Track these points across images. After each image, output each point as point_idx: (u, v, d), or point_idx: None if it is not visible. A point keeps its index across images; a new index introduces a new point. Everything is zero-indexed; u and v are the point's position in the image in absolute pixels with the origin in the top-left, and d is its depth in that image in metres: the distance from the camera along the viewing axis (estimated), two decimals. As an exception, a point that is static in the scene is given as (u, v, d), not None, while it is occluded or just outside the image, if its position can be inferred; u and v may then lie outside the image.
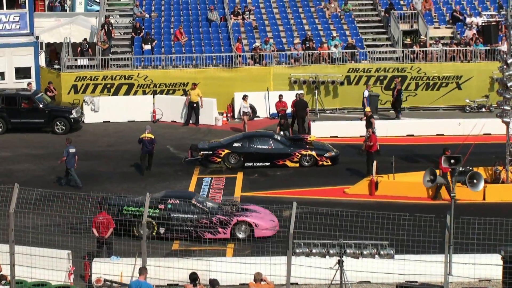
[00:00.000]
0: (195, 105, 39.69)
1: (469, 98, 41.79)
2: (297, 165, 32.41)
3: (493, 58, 41.63)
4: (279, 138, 33.17)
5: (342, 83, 41.69)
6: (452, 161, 20.84)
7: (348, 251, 18.79)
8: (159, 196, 25.37)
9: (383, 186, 29.19)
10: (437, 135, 36.97)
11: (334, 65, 42.10)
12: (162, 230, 24.45)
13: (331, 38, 43.45)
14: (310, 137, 33.76)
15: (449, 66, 42.26)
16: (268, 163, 32.32)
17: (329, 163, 32.51)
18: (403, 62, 42.46)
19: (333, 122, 38.37)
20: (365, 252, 18.87)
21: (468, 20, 44.73)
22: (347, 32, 44.82)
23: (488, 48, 41.70)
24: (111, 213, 23.54)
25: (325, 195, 28.38)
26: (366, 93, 39.64)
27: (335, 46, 42.44)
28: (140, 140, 32.13)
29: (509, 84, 29.29)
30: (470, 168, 25.58)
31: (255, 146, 32.64)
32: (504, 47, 38.41)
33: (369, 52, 43.07)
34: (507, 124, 29.89)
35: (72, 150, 30.13)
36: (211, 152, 32.42)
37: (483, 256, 19.92)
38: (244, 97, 38.56)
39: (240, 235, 24.69)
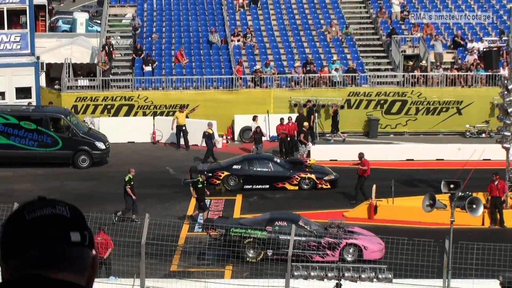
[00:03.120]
0: (183, 128, 39.52)
1: (470, 124, 41.81)
2: (297, 188, 32.41)
3: (494, 83, 41.63)
4: (278, 161, 33.16)
5: (342, 107, 41.75)
6: (452, 186, 20.81)
7: (346, 274, 18.73)
8: (264, 218, 25.46)
9: (382, 210, 29.19)
10: (437, 160, 36.99)
11: (334, 89, 42.18)
12: (269, 253, 24.30)
13: (331, 61, 43.57)
14: (310, 160, 33.78)
15: (449, 91, 42.34)
16: (267, 186, 32.30)
17: (329, 186, 32.51)
18: (403, 87, 42.55)
19: (333, 146, 38.39)
20: (363, 276, 18.81)
21: (469, 45, 44.86)
22: (348, 56, 44.95)
23: (489, 73, 41.79)
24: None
25: (324, 218, 28.32)
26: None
27: (336, 69, 42.53)
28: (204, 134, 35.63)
29: (509, 110, 29.39)
30: (470, 194, 25.63)
31: (254, 169, 32.65)
32: (505, 72, 38.52)
33: (369, 76, 43.16)
34: (507, 150, 29.93)
35: None
36: (210, 174, 32.42)
37: (481, 281, 19.84)
38: (254, 118, 38.51)
39: (349, 258, 24.57)
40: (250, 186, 32.40)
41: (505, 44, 30.64)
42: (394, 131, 42.20)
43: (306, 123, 37.65)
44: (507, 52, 33.69)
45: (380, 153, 37.37)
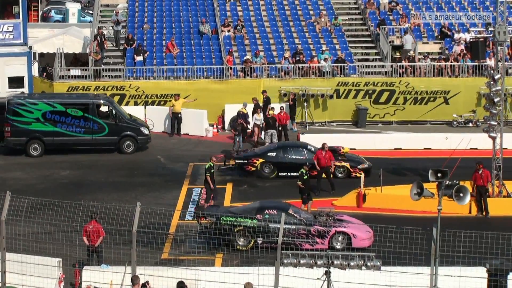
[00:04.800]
0: (179, 115, 40.08)
1: (457, 113, 42.20)
2: (331, 176, 32.53)
3: (481, 73, 42.01)
4: (313, 149, 33.27)
5: (331, 97, 42.05)
6: (439, 174, 21.08)
7: (335, 262, 18.93)
8: (254, 206, 25.76)
9: (370, 199, 29.51)
10: (425, 149, 37.38)
11: (323, 79, 42.48)
12: (260, 241, 24.65)
13: (321, 51, 43.85)
14: (343, 149, 34.04)
15: (437, 81, 42.69)
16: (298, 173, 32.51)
17: (363, 175, 32.75)
18: (391, 77, 42.87)
19: (322, 135, 38.66)
20: (352, 264, 18.99)
21: (456, 36, 45.17)
22: (337, 46, 45.22)
23: (476, 63, 42.12)
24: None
25: (313, 206, 28.64)
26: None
27: (325, 59, 42.82)
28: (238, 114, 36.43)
29: (496, 100, 29.70)
30: (457, 182, 25.93)
31: (289, 156, 33.02)
32: (491, 62, 38.88)
33: (358, 66, 43.48)
34: (494, 139, 30.30)
35: None
36: (245, 161, 32.80)
37: (469, 268, 20.14)
38: (257, 110, 38.64)
39: (338, 246, 24.92)
40: (284, 174, 32.69)
41: (491, 35, 30.89)
42: (382, 120, 42.55)
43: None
44: (493, 43, 33.98)
45: (369, 142, 37.78)
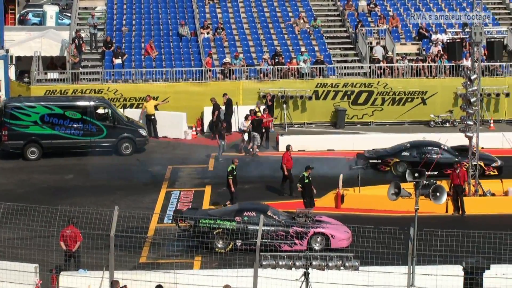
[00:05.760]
0: (152, 117, 39.95)
1: (434, 113, 42.39)
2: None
3: (457, 74, 42.29)
4: (446, 148, 33.55)
5: (310, 98, 42.13)
6: (416, 174, 21.20)
7: (313, 263, 19.03)
8: (234, 208, 25.78)
9: (349, 199, 29.63)
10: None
11: (302, 80, 42.57)
12: (238, 243, 24.68)
13: (300, 53, 43.94)
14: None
15: (414, 82, 42.88)
16: (436, 172, 32.21)
17: (496, 173, 32.79)
18: (370, 78, 43.02)
19: (301, 136, 38.80)
20: (330, 264, 19.10)
21: (433, 37, 45.40)
22: (316, 48, 45.32)
23: (453, 64, 42.35)
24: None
25: (293, 207, 28.62)
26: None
27: (304, 61, 42.91)
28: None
29: (472, 100, 29.89)
30: (434, 182, 26.06)
31: (423, 155, 33.07)
32: (467, 63, 39.09)
33: (337, 67, 43.60)
34: (470, 138, 30.50)
35: None
36: (379, 161, 33.11)
37: (445, 267, 20.28)
38: (247, 117, 38.45)
39: (316, 246, 25.02)
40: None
41: (468, 36, 31.06)
42: (361, 121, 42.68)
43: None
44: (469, 44, 34.16)
45: (348, 143, 37.88)
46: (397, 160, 33.44)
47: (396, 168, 33.42)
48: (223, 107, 40.23)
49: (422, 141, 34.99)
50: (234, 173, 29.19)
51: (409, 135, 38.38)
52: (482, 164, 32.62)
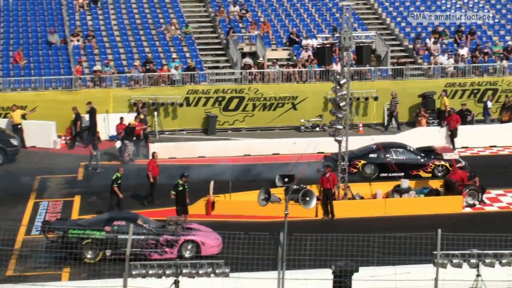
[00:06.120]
0: (19, 126, 39.09)
1: (304, 118, 42.89)
2: (430, 175, 33.43)
3: (327, 79, 42.93)
4: (411, 149, 34.15)
5: (181, 105, 41.98)
6: (286, 179, 21.35)
7: (184, 271, 18.94)
8: (103, 218, 25.28)
9: (219, 206, 29.62)
10: (273, 154, 37.85)
11: (174, 87, 42.39)
12: (108, 253, 24.19)
13: (171, 60, 43.75)
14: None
15: (285, 87, 43.24)
16: (402, 173, 32.89)
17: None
18: (241, 83, 43.21)
19: (172, 144, 38.61)
20: (200, 272, 19.04)
21: (304, 42, 45.98)
22: (187, 54, 45.23)
23: (323, 69, 42.98)
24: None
25: (160, 215, 28.32)
26: None
27: (176, 68, 42.74)
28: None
29: (341, 104, 30.37)
30: (304, 186, 26.37)
31: (390, 157, 33.34)
32: (337, 68, 39.74)
33: (208, 73, 43.62)
34: (339, 142, 30.98)
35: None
36: (348, 163, 32.69)
37: (315, 271, 20.52)
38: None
39: (187, 254, 24.85)
40: (385, 174, 33.17)
41: (337, 41, 31.57)
42: (232, 127, 42.78)
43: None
44: (339, 48, 34.76)
45: (218, 149, 37.95)
46: (365, 162, 33.98)
47: (364, 169, 33.89)
48: (85, 116, 39.67)
49: (389, 143, 35.72)
50: (119, 181, 28.98)
51: (279, 140, 38.91)
52: (447, 165, 33.90)
